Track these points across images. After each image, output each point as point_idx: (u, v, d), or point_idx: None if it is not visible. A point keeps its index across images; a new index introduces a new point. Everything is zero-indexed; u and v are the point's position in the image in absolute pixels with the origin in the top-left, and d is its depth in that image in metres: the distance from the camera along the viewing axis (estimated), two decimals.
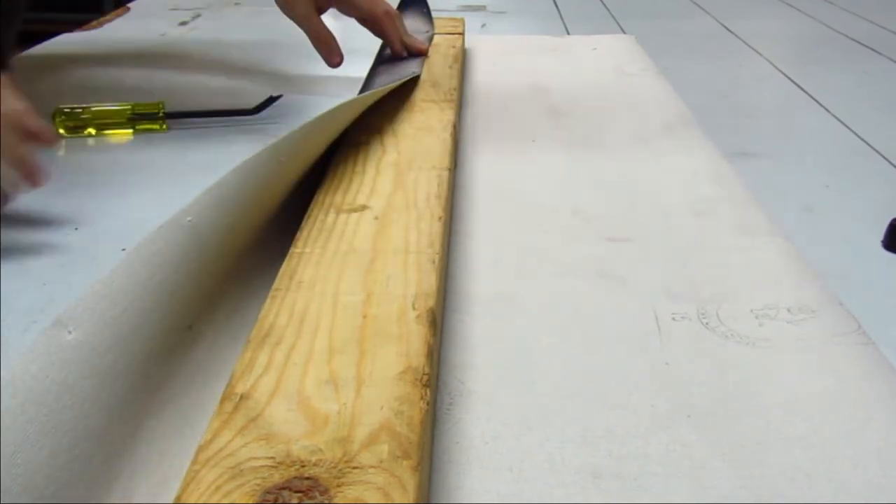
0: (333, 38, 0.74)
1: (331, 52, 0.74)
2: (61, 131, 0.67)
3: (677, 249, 0.48)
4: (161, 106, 0.68)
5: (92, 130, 0.67)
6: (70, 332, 0.30)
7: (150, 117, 0.68)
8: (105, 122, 0.68)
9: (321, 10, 0.74)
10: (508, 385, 0.36)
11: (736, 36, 1.09)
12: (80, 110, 0.67)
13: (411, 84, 0.69)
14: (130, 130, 0.68)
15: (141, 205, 0.56)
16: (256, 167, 0.42)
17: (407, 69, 0.71)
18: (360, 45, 0.79)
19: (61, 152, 0.65)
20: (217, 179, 0.39)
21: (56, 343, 0.29)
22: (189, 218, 0.37)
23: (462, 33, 0.90)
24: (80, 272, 0.46)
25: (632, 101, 0.75)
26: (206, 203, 0.38)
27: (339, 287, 0.37)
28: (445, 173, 0.50)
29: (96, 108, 0.68)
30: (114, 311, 0.32)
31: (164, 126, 0.68)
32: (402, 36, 0.76)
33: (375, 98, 0.61)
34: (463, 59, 0.84)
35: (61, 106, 0.67)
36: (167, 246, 0.35)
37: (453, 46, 0.83)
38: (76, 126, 0.67)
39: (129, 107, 0.68)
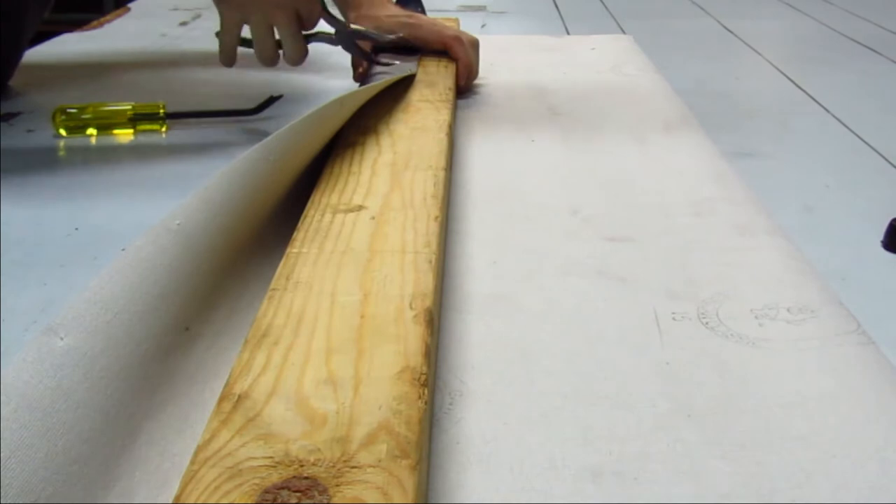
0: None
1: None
2: (62, 131, 0.67)
3: (677, 249, 0.48)
4: (161, 106, 0.68)
5: (93, 130, 0.67)
6: (62, 339, 0.30)
7: (151, 118, 0.68)
8: (106, 122, 0.68)
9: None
10: (508, 385, 0.36)
11: (736, 36, 1.09)
12: (80, 110, 0.67)
13: (407, 84, 0.69)
14: (131, 130, 0.68)
15: (141, 205, 0.56)
16: (246, 168, 0.42)
17: (403, 68, 0.71)
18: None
19: (62, 153, 0.65)
20: (205, 182, 0.40)
21: (48, 349, 0.29)
22: (177, 221, 0.37)
23: None
24: (80, 272, 0.46)
25: (631, 101, 0.75)
26: (195, 206, 0.38)
27: (336, 287, 0.37)
28: (442, 173, 0.50)
29: (97, 108, 0.68)
30: (105, 316, 0.32)
31: (165, 126, 0.68)
32: (470, 62, 0.76)
33: (368, 95, 0.61)
34: None
35: (62, 106, 0.67)
36: (157, 250, 0.36)
37: None
38: (77, 126, 0.67)
39: (129, 107, 0.68)
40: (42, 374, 0.28)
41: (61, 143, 0.66)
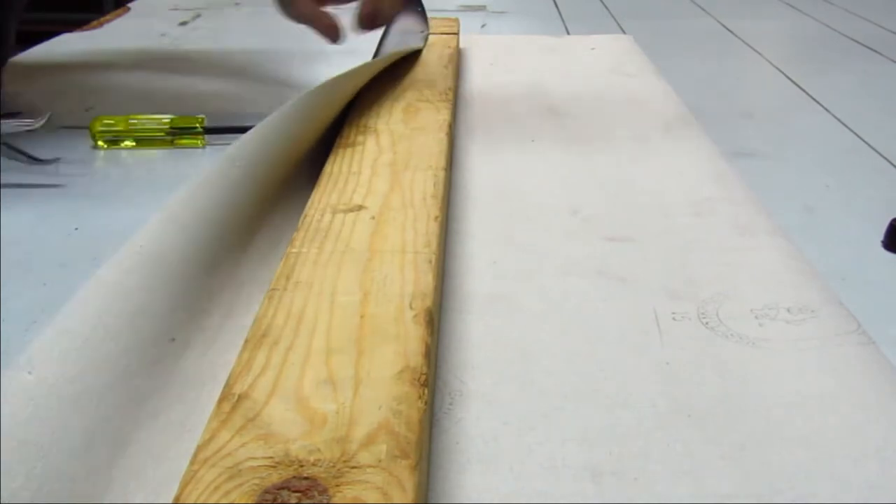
0: (338, 22, 0.70)
1: (335, 35, 0.69)
2: (101, 144, 0.65)
3: (677, 249, 0.48)
4: (200, 120, 0.66)
5: (131, 144, 0.65)
6: (30, 373, 0.30)
7: (189, 131, 0.66)
8: (144, 136, 0.66)
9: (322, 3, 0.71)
10: (508, 385, 0.36)
11: (736, 36, 1.09)
12: (116, 122, 0.65)
13: (406, 84, 0.69)
14: (169, 144, 0.66)
15: (141, 205, 0.56)
16: (214, 179, 0.42)
17: (408, 40, 0.71)
18: (364, 47, 0.79)
19: (60, 156, 0.65)
20: (168, 201, 0.40)
21: (17, 385, 0.30)
22: (141, 244, 0.38)
23: (457, 33, 0.90)
24: (80, 272, 0.46)
25: (631, 101, 0.75)
26: (157, 228, 0.39)
27: (336, 287, 0.37)
28: (442, 173, 0.50)
29: (133, 120, 0.66)
30: (74, 342, 0.32)
31: (203, 141, 0.66)
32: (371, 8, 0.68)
33: (370, 74, 0.61)
34: (458, 60, 0.84)
35: (100, 118, 0.65)
36: (122, 274, 0.36)
37: (448, 46, 0.83)
38: (115, 139, 0.65)
39: (167, 120, 0.66)
40: (13, 409, 0.29)
41: (60, 142, 0.66)
